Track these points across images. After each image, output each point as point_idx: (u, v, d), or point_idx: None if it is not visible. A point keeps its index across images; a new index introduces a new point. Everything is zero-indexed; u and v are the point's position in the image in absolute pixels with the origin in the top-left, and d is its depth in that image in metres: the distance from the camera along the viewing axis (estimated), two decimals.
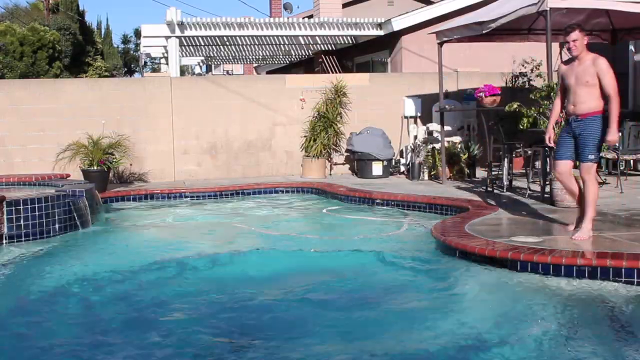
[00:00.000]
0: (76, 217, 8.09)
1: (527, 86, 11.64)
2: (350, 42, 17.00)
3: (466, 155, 11.27)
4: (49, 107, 11.69)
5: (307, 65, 21.14)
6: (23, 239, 7.44)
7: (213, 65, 31.15)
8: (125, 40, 50.11)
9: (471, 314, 4.67)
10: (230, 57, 21.97)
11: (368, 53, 16.93)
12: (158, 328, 4.60)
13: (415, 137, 12.16)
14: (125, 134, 11.27)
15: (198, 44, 17.85)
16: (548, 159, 8.33)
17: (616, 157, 9.58)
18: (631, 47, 13.13)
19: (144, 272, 6.17)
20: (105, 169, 10.52)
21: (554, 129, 6.45)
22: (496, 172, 10.04)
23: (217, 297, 5.33)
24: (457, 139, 11.70)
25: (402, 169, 12.37)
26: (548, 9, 8.04)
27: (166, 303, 5.18)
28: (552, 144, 6.43)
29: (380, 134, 12.02)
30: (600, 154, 6.61)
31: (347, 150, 12.45)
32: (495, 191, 9.32)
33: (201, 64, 25.92)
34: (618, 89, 5.94)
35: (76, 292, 5.58)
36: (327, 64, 18.17)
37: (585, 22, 10.60)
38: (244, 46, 18.97)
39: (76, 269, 6.27)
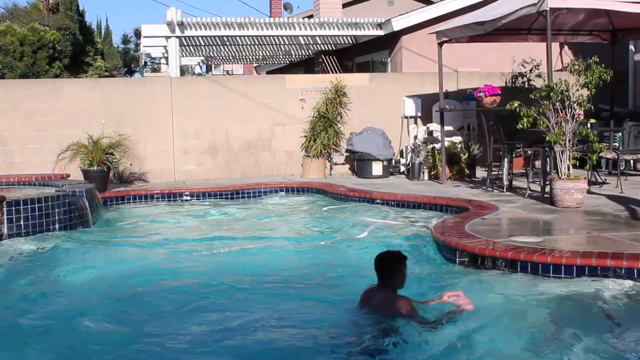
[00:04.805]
0: (76, 217, 8.10)
1: (527, 86, 11.66)
2: (350, 42, 17.00)
3: (466, 155, 11.28)
4: (49, 107, 11.69)
5: (307, 65, 21.14)
6: (23, 238, 7.42)
7: (213, 65, 31.14)
8: (125, 40, 50.08)
9: (468, 313, 4.66)
10: (230, 57, 21.97)
11: (368, 53, 16.93)
12: (158, 327, 4.60)
13: (415, 137, 12.15)
14: (125, 134, 11.26)
15: (198, 44, 17.85)
16: (548, 159, 8.33)
17: (616, 157, 9.58)
18: (631, 47, 13.14)
19: (143, 271, 6.18)
20: (106, 169, 10.51)
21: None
22: (496, 172, 10.04)
23: (218, 296, 5.33)
24: (457, 139, 11.70)
25: (402, 169, 12.37)
26: (548, 9, 8.05)
27: (165, 302, 5.18)
28: None
29: (380, 134, 12.02)
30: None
31: (347, 150, 12.45)
32: (495, 191, 9.32)
33: (201, 64, 25.91)
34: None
35: (75, 291, 5.58)
36: (327, 64, 18.17)
37: (585, 22, 10.63)
38: (244, 46, 18.97)
39: (75, 269, 6.28)
